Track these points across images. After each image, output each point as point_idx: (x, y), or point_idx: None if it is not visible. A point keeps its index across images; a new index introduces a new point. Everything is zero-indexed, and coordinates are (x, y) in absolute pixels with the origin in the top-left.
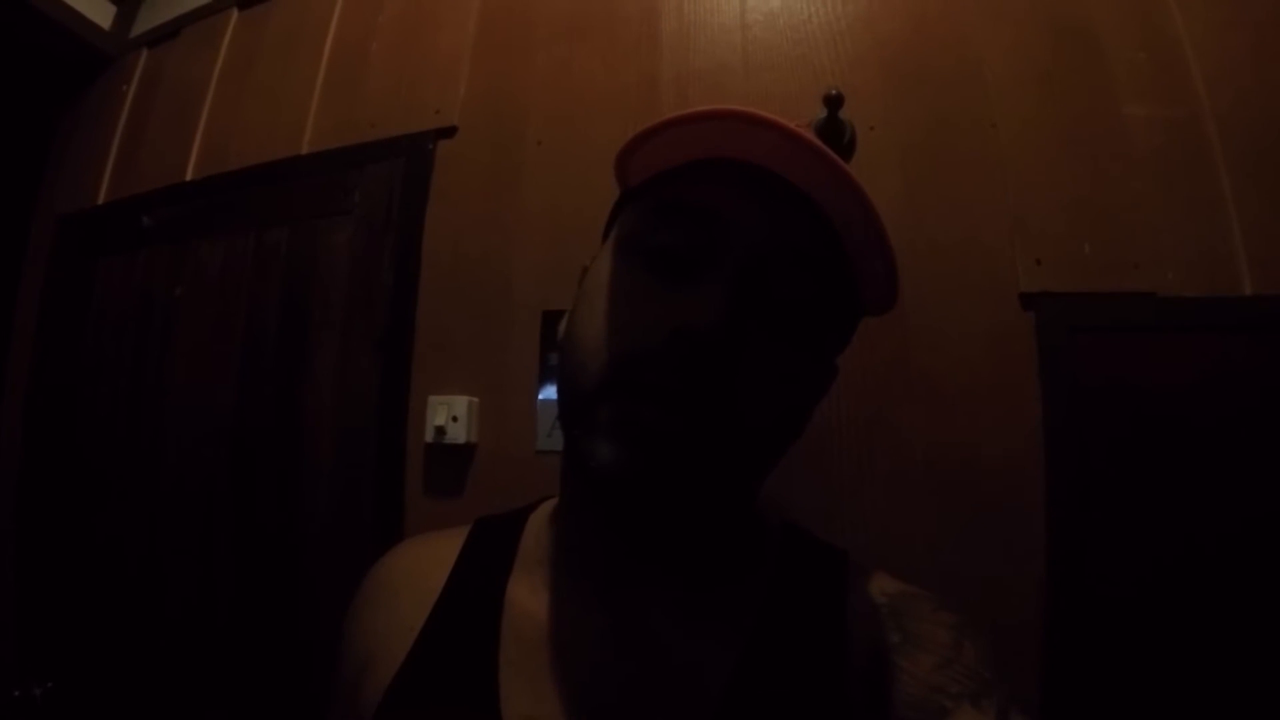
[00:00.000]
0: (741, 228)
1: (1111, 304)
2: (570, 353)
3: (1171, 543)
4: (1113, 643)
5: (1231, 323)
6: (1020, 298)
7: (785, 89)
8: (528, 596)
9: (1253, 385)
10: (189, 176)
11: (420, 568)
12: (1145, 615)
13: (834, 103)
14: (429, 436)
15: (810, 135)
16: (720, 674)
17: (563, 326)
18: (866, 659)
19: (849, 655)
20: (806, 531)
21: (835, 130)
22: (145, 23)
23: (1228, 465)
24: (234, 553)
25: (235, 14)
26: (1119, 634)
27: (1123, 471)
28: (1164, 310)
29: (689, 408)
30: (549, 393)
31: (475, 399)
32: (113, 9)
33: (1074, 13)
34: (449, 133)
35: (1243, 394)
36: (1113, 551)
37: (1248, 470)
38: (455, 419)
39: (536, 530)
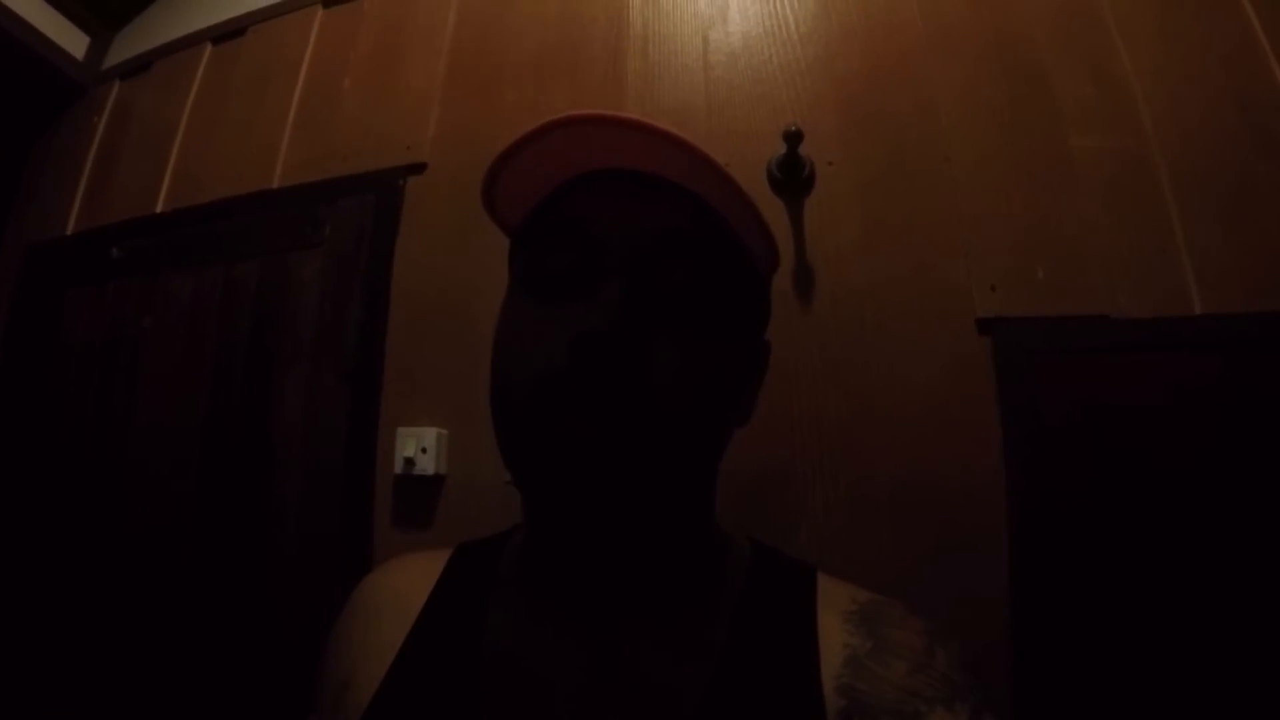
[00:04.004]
0: (620, 231)
1: (1066, 327)
2: (493, 395)
3: (1134, 561)
4: (1079, 663)
5: (1183, 342)
6: (977, 323)
7: (747, 127)
8: (504, 620)
9: (1206, 402)
10: (159, 208)
11: (404, 587)
12: (1110, 634)
13: (793, 139)
14: (398, 468)
15: (653, 122)
16: (695, 692)
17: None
18: (841, 667)
19: (823, 665)
20: (775, 550)
21: (795, 165)
22: (118, 54)
23: (1185, 481)
24: (200, 586)
25: (209, 49)
26: (1085, 654)
27: (1084, 489)
28: (1117, 332)
29: (607, 412)
30: None
31: (444, 431)
32: (86, 39)
33: (1023, 52)
34: (419, 169)
35: (1197, 410)
36: (1076, 571)
37: (1205, 485)
38: (424, 450)
39: (512, 555)
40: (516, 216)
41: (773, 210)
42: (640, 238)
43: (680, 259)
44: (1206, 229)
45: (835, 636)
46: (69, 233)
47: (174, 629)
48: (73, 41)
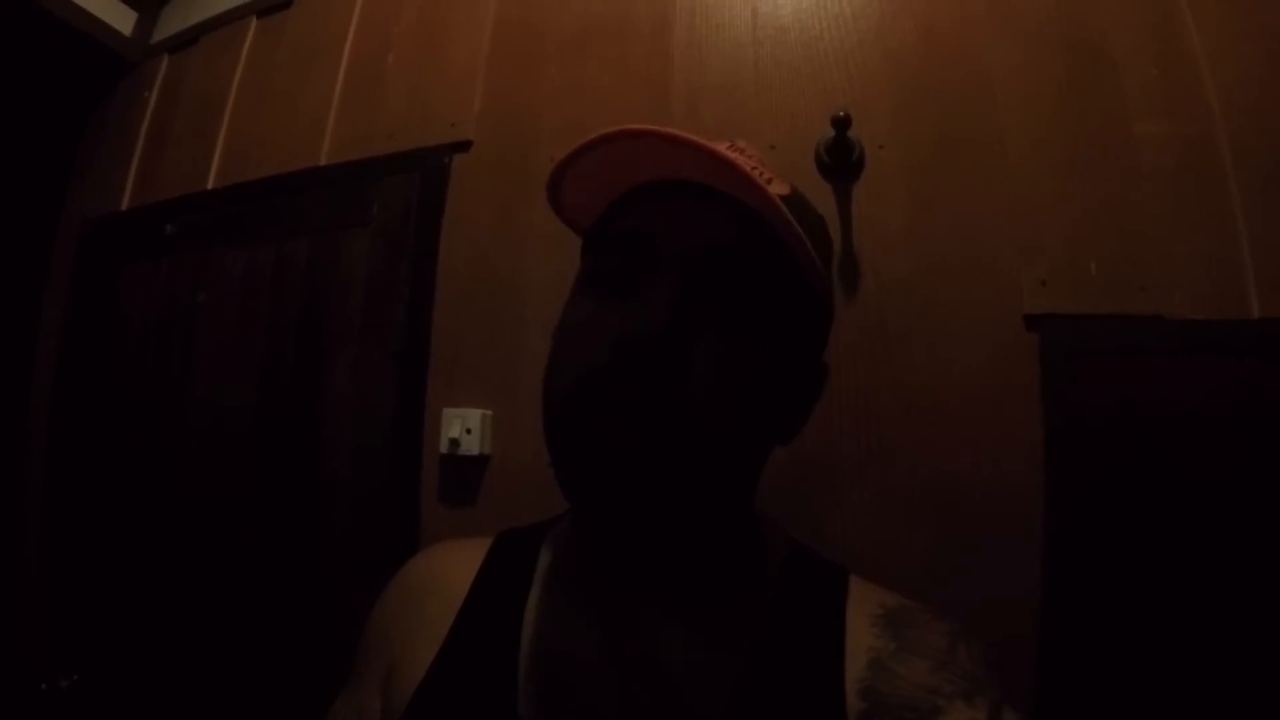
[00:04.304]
0: (675, 240)
1: (1117, 326)
2: (545, 382)
3: (1174, 566)
4: (1107, 664)
5: (1239, 346)
6: (1024, 319)
7: (796, 105)
8: (544, 614)
9: (1260, 409)
10: (210, 184)
11: (447, 575)
12: (1144, 639)
13: (841, 124)
14: (443, 448)
15: (701, 140)
16: (724, 689)
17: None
18: (864, 669)
19: (848, 667)
20: (811, 551)
21: (844, 149)
22: (166, 29)
23: (1232, 489)
24: (252, 554)
25: (254, 22)
26: (1114, 656)
27: (1124, 495)
28: (1170, 333)
29: (643, 414)
30: None
31: (489, 412)
32: (133, 15)
33: (1086, 29)
34: (464, 147)
35: (1249, 418)
36: (1112, 574)
37: (1252, 495)
38: (469, 431)
39: (555, 545)
40: (586, 220)
41: (821, 195)
42: (693, 247)
43: (730, 271)
44: (1271, 226)
45: (861, 640)
46: (124, 208)
47: (230, 593)
48: (120, 17)
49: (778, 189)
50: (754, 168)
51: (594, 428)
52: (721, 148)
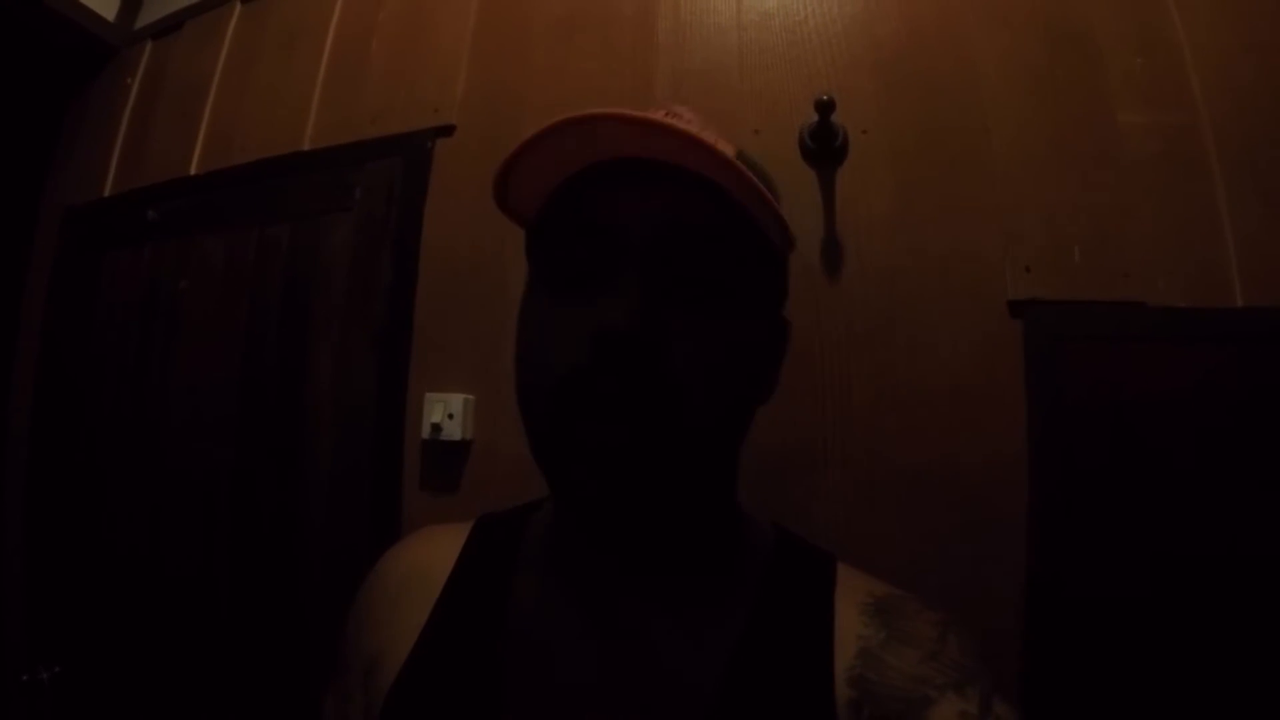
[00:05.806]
0: (632, 224)
1: (1101, 313)
2: (520, 397)
3: (1154, 553)
4: (1092, 652)
5: (1221, 334)
6: (1009, 305)
7: (780, 90)
8: (527, 602)
9: (1241, 397)
10: (193, 170)
11: (427, 563)
12: (1126, 625)
13: (825, 108)
14: (425, 433)
15: (647, 114)
16: (712, 679)
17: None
18: (854, 658)
19: (837, 656)
20: (797, 537)
21: (827, 134)
22: (149, 15)
23: (1214, 476)
24: (234, 542)
25: (238, 7)
26: (1098, 643)
27: (1108, 481)
28: (1153, 320)
29: (632, 413)
30: None
31: (471, 397)
32: (117, 1)
33: (1072, 17)
34: (447, 131)
35: (1231, 406)
36: (1095, 561)
37: (1233, 482)
38: (451, 416)
39: (537, 531)
40: (530, 209)
41: (804, 180)
42: (652, 227)
43: (693, 246)
44: (1254, 215)
45: (850, 628)
46: (106, 195)
47: (212, 582)
48: (103, 3)
49: (725, 148)
50: (698, 130)
51: (581, 435)
52: (659, 115)
